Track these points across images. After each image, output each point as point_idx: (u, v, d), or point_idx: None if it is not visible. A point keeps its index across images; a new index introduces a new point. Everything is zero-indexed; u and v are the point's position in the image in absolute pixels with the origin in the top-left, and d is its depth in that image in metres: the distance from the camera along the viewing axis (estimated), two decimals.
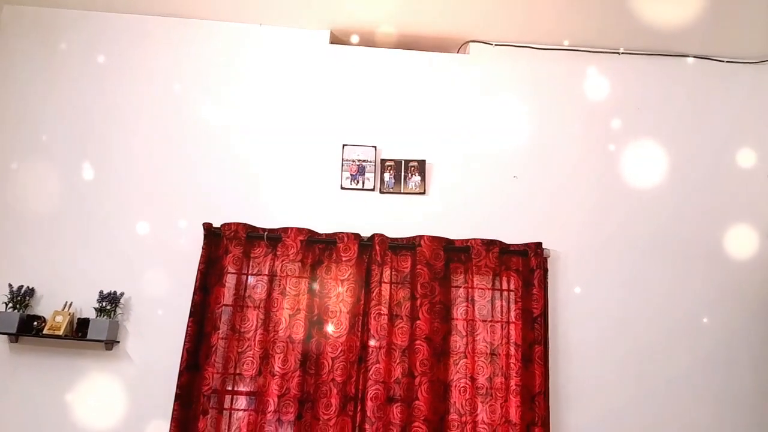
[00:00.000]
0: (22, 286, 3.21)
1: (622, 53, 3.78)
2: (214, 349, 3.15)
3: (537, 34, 3.71)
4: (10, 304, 3.15)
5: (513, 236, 3.41)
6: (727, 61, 3.78)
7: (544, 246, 3.37)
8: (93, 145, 3.51)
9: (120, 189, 3.45)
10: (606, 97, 3.72)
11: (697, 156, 3.65)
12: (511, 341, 3.24)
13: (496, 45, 3.78)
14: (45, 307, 3.24)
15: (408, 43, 3.82)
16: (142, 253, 3.35)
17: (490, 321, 3.29)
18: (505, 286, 3.35)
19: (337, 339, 3.18)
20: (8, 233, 3.34)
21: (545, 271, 3.35)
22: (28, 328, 3.12)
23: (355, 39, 3.82)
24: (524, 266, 3.36)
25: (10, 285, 3.19)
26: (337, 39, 3.83)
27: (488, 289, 3.33)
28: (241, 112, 3.61)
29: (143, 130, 3.55)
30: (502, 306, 3.32)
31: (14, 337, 3.17)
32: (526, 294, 3.30)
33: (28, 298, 3.21)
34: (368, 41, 3.82)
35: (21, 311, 3.15)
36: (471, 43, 3.79)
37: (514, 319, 3.28)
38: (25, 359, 3.17)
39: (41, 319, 3.14)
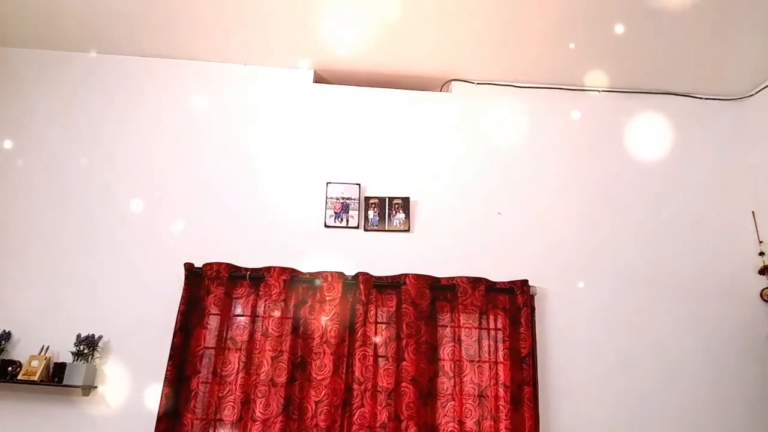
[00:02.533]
0: None
1: (602, 91, 3.83)
2: (194, 393, 3.06)
3: (519, 73, 3.76)
4: None
5: (499, 274, 3.38)
6: (707, 98, 3.83)
7: (530, 283, 3.34)
8: (73, 188, 3.48)
9: (99, 229, 3.40)
10: (588, 135, 3.75)
11: (681, 190, 3.67)
12: (500, 382, 3.17)
13: (478, 83, 3.82)
14: (22, 351, 3.15)
15: (391, 82, 3.85)
16: (121, 295, 3.28)
17: (478, 361, 3.23)
18: (492, 324, 3.30)
19: (320, 382, 3.10)
20: None
21: (532, 309, 3.31)
22: (3, 373, 3.03)
23: (338, 78, 3.85)
24: (511, 304, 3.31)
25: None
26: (321, 78, 3.87)
27: (475, 328, 3.28)
28: (224, 150, 3.61)
29: (124, 170, 3.54)
30: (489, 345, 3.26)
31: None
32: (514, 333, 3.25)
33: (4, 342, 3.13)
34: (352, 80, 3.85)
35: None
36: (453, 82, 3.83)
37: (502, 359, 3.21)
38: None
39: (17, 364, 3.06)
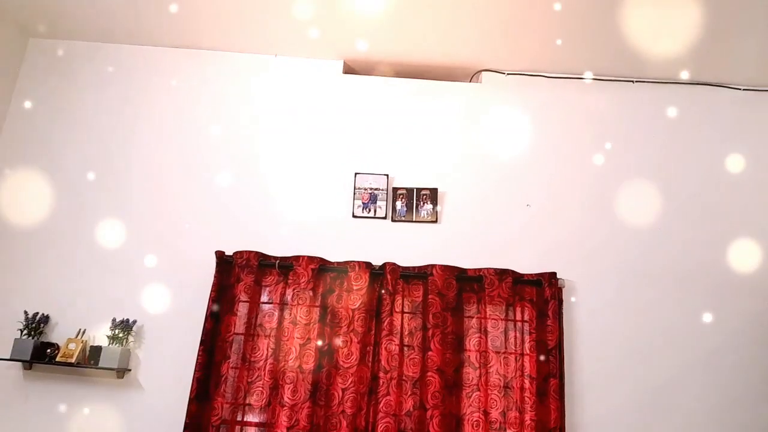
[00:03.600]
0: (38, 313, 3.25)
1: (636, 81, 3.76)
2: (223, 378, 3.13)
3: (549, 63, 3.71)
4: (25, 331, 3.18)
5: (527, 266, 3.37)
6: (744, 89, 3.74)
7: (558, 276, 3.32)
8: (109, 174, 3.57)
9: (134, 217, 3.49)
10: (621, 127, 3.69)
11: (713, 182, 3.59)
12: (526, 374, 3.17)
13: (508, 74, 3.79)
14: (59, 334, 3.27)
15: (421, 72, 3.85)
16: (155, 281, 3.37)
17: (504, 353, 3.23)
18: (518, 316, 3.29)
19: (347, 370, 3.14)
20: (25, 260, 3.40)
21: (560, 301, 3.29)
22: (42, 355, 3.14)
23: (367, 69, 3.86)
24: (538, 297, 3.30)
25: (25, 312, 3.23)
26: (350, 69, 3.88)
27: (501, 319, 3.28)
28: (255, 140, 3.66)
29: (158, 159, 3.61)
30: (516, 337, 3.26)
31: (28, 364, 3.19)
32: (541, 325, 3.24)
33: (42, 325, 3.24)
34: (381, 71, 3.85)
35: (35, 338, 3.18)
36: (483, 72, 3.80)
37: (528, 351, 3.21)
38: (38, 386, 3.19)
39: (55, 347, 3.17)
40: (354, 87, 3.78)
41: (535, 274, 3.32)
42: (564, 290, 3.34)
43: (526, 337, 3.25)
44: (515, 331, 3.27)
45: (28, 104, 3.68)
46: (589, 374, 3.24)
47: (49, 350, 3.14)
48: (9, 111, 3.67)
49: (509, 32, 3.46)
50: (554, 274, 3.30)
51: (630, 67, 3.68)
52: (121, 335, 3.20)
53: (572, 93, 3.75)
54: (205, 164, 3.61)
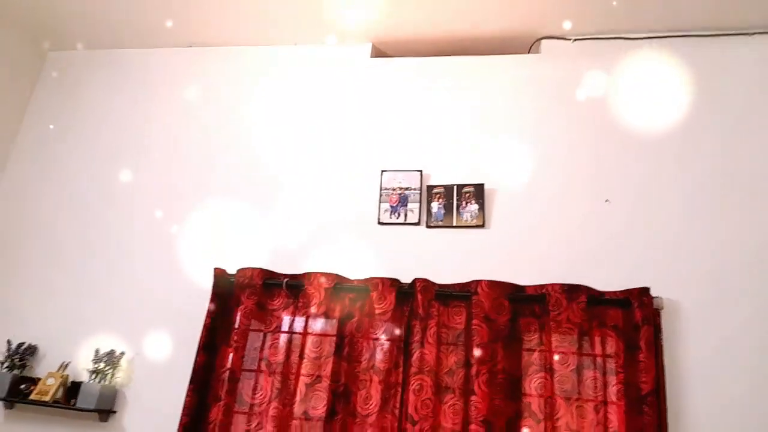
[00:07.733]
0: (23, 343, 2.86)
1: (755, 33, 2.81)
2: (213, 425, 2.52)
3: (631, 21, 2.88)
4: (7, 363, 2.78)
5: (606, 280, 2.48)
6: None
7: (653, 293, 2.41)
8: (96, 192, 3.19)
9: (127, 232, 3.05)
10: (737, 99, 2.74)
11: None
12: (610, 430, 2.27)
13: (575, 40, 3.00)
14: (47, 367, 2.84)
15: (465, 48, 3.15)
16: (149, 305, 2.87)
17: (578, 399, 2.35)
18: (598, 349, 2.41)
19: (365, 418, 2.42)
20: (8, 283, 3.05)
21: (657, 328, 2.37)
22: (17, 392, 2.72)
23: (401, 49, 3.23)
24: (625, 322, 2.40)
25: (8, 342, 2.85)
26: (380, 52, 3.27)
27: (573, 353, 2.41)
28: (262, 138, 3.13)
29: (156, 166, 3.19)
30: (595, 378, 2.37)
31: (9, 403, 2.78)
32: (630, 361, 2.34)
33: (28, 356, 2.84)
34: (417, 51, 3.21)
35: (18, 372, 2.77)
36: (543, 41, 3.04)
37: (613, 398, 2.32)
38: (17, 429, 2.76)
39: (31, 382, 2.73)
40: (384, 71, 3.16)
41: (620, 291, 2.43)
42: (663, 312, 2.42)
43: (610, 379, 2.36)
44: (594, 369, 2.39)
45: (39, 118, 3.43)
46: (700, 429, 2.27)
47: (23, 386, 2.71)
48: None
49: None
50: (646, 289, 2.39)
51: (741, 17, 2.77)
52: (106, 369, 2.71)
53: (664, 55, 2.87)
54: (205, 169, 3.12)
